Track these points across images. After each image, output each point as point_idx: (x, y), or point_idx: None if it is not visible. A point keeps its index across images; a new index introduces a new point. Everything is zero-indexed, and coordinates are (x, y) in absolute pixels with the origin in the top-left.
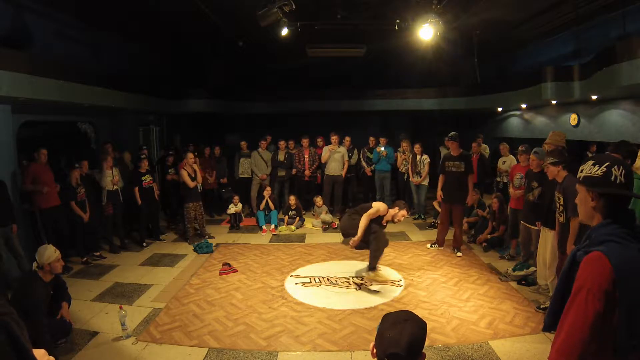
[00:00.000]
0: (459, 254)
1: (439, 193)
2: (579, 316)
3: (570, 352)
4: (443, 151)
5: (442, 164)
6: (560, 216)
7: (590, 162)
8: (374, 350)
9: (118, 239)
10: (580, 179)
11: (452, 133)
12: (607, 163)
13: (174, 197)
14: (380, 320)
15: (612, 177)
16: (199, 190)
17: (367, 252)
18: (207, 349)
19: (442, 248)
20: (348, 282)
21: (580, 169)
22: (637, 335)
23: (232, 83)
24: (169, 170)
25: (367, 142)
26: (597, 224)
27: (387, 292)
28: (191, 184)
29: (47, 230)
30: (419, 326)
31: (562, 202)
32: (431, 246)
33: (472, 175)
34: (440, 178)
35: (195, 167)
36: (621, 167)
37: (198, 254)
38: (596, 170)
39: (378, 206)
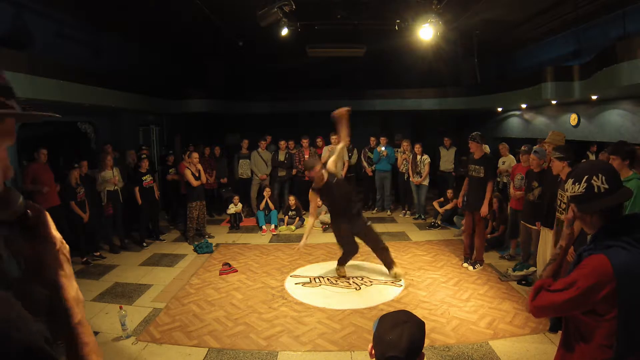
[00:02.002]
0: (470, 267)
1: (460, 198)
2: (560, 300)
3: (545, 309)
4: (443, 151)
5: (466, 166)
6: (562, 214)
7: (570, 181)
8: (372, 352)
9: (118, 239)
10: (570, 198)
11: (473, 133)
12: (585, 177)
13: (174, 197)
14: (377, 321)
15: (595, 189)
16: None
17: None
18: (207, 349)
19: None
20: (348, 282)
21: (565, 188)
22: (636, 339)
23: (232, 83)
24: (170, 171)
25: (367, 142)
26: (602, 229)
27: (387, 292)
28: (195, 183)
29: None
30: (418, 327)
31: (565, 200)
32: (465, 263)
33: (492, 184)
34: (465, 182)
35: (200, 166)
36: (600, 175)
37: (198, 254)
38: (578, 189)
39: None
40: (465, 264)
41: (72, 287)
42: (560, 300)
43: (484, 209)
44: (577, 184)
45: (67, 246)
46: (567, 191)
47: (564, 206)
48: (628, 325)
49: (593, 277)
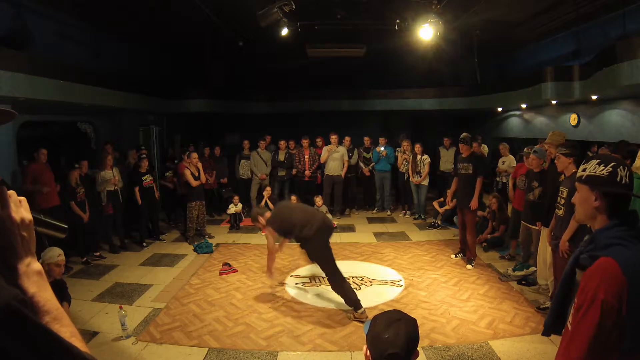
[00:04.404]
0: (469, 266)
1: (448, 197)
2: (594, 329)
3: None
4: (442, 151)
5: (454, 165)
6: (560, 209)
7: (595, 162)
8: (368, 353)
9: (118, 239)
10: (583, 177)
11: (462, 135)
12: (613, 163)
13: (169, 198)
14: (368, 323)
15: (618, 178)
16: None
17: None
18: (207, 349)
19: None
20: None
21: (582, 167)
22: None
23: (232, 83)
24: (166, 174)
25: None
26: (602, 226)
27: (387, 292)
28: (194, 183)
29: None
30: (412, 324)
31: (564, 196)
32: (456, 256)
33: (481, 179)
34: (454, 181)
35: (200, 166)
36: (625, 168)
37: (198, 254)
38: (601, 170)
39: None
40: (453, 256)
41: (25, 262)
42: (596, 341)
43: (474, 203)
44: (602, 165)
45: (30, 219)
46: (584, 171)
47: (562, 202)
48: (637, 322)
49: (610, 283)
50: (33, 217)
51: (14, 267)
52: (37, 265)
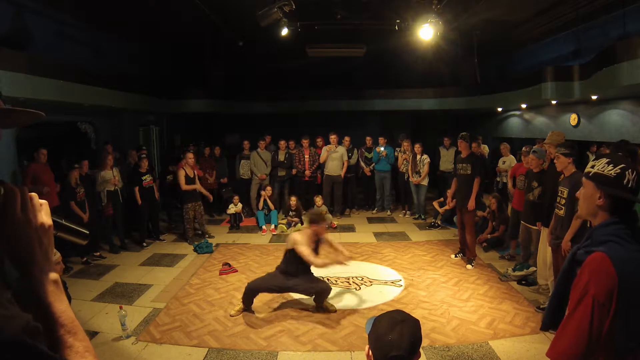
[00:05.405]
0: (469, 266)
1: (449, 198)
2: (584, 322)
3: (576, 356)
4: (443, 151)
5: (454, 165)
6: (560, 210)
7: (605, 160)
8: (370, 353)
9: (118, 239)
10: (590, 174)
11: (462, 133)
12: (622, 165)
13: (170, 198)
14: (370, 323)
15: (625, 181)
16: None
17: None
18: (207, 349)
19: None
20: (348, 282)
21: (591, 164)
22: (635, 337)
23: (232, 83)
24: (167, 177)
25: (365, 142)
26: (600, 222)
27: (387, 292)
28: (184, 186)
29: None
30: (415, 325)
31: (564, 196)
32: (456, 256)
33: (479, 179)
34: (454, 181)
35: (198, 171)
36: (634, 172)
37: (198, 254)
38: (610, 170)
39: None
40: (453, 256)
41: (42, 269)
42: (586, 336)
43: (471, 204)
44: (611, 165)
45: (50, 224)
46: (593, 168)
47: (562, 202)
48: (628, 321)
49: (601, 277)
50: (54, 221)
51: (31, 274)
52: (53, 275)
